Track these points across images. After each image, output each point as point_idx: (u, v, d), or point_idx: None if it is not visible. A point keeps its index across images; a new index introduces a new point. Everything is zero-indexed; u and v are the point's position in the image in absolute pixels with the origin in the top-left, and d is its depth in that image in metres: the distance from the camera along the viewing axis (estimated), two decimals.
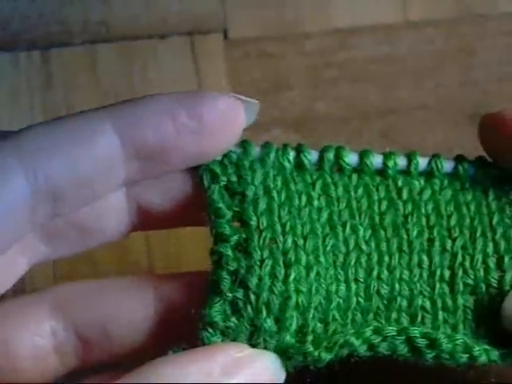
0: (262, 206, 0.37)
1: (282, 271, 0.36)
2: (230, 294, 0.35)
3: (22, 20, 0.55)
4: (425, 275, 0.37)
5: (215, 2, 0.56)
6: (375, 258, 0.38)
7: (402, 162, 0.39)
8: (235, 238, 0.36)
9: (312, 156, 0.39)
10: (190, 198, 0.38)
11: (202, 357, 0.33)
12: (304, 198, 0.38)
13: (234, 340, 0.35)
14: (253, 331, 0.35)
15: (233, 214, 0.37)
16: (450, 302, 0.37)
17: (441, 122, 0.54)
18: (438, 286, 0.37)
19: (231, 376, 0.33)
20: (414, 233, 0.38)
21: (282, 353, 0.35)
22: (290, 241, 0.37)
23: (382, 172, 0.39)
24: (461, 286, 0.37)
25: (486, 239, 0.38)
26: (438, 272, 0.37)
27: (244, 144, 0.38)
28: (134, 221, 0.38)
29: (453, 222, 0.38)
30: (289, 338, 0.35)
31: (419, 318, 0.37)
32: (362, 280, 0.37)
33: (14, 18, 0.55)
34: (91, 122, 0.35)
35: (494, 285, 0.37)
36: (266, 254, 0.36)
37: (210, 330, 0.35)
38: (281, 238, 0.37)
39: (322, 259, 0.37)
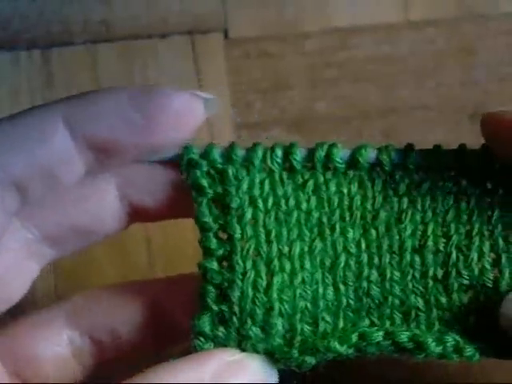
0: (247, 216, 0.37)
1: (265, 282, 0.37)
2: (216, 307, 0.37)
3: (22, 20, 0.55)
4: (417, 275, 0.37)
5: (215, 2, 0.56)
6: (365, 259, 0.37)
7: (398, 156, 0.38)
8: (220, 251, 0.37)
9: (302, 155, 0.38)
10: (180, 193, 0.39)
11: (197, 363, 0.35)
12: (292, 202, 0.38)
13: (225, 346, 0.36)
14: (241, 339, 0.36)
15: (219, 226, 0.38)
16: (444, 301, 0.37)
17: (441, 122, 0.54)
18: (430, 284, 0.37)
19: (224, 380, 0.35)
20: (407, 232, 0.38)
21: (271, 356, 0.36)
22: (274, 249, 0.37)
23: (378, 167, 0.38)
24: (455, 285, 0.37)
25: (483, 237, 0.37)
26: (431, 271, 0.37)
27: (229, 151, 0.38)
28: (129, 217, 0.39)
29: (449, 217, 0.38)
30: (276, 342, 0.36)
31: (413, 316, 0.37)
32: (350, 282, 0.37)
33: (14, 18, 0.55)
34: (43, 118, 0.36)
35: (489, 284, 0.37)
36: (248, 265, 0.37)
37: (201, 339, 0.36)
38: (265, 248, 0.37)
39: (307, 264, 0.37)
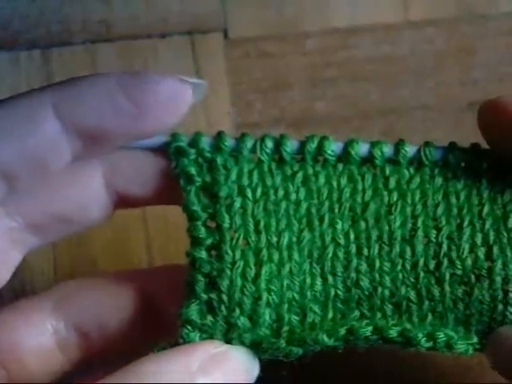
0: (236, 205, 0.37)
1: (253, 272, 0.37)
2: (205, 295, 0.37)
3: (22, 20, 0.55)
4: (408, 266, 0.37)
5: (215, 2, 0.56)
6: (353, 250, 0.37)
7: (390, 151, 0.38)
8: (209, 240, 0.37)
9: (294, 147, 0.38)
10: (167, 181, 0.38)
11: (183, 354, 0.35)
12: (281, 192, 0.38)
13: (212, 336, 0.36)
14: (228, 328, 0.36)
15: (208, 215, 0.38)
16: (436, 292, 0.37)
17: (441, 122, 0.54)
18: (422, 275, 0.37)
19: (209, 372, 0.35)
20: (397, 223, 0.37)
21: (257, 346, 0.36)
22: (263, 239, 0.37)
23: (369, 161, 0.38)
24: (447, 276, 0.37)
25: (475, 229, 0.37)
26: (422, 262, 0.37)
27: (218, 140, 0.38)
28: (114, 205, 0.39)
29: (439, 211, 0.38)
30: (263, 332, 0.36)
31: (404, 307, 0.37)
32: (339, 273, 0.37)
33: (14, 18, 0.55)
34: (33, 105, 0.35)
35: (484, 275, 0.37)
36: (237, 255, 0.37)
37: (189, 328, 0.36)
38: (253, 238, 0.37)
39: (296, 255, 0.37)
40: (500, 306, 0.36)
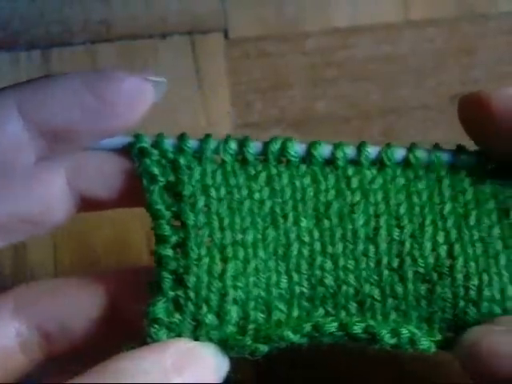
0: (200, 204, 0.38)
1: (219, 268, 0.37)
2: (172, 293, 0.37)
3: (22, 20, 0.55)
4: (371, 264, 0.37)
5: (215, 2, 0.56)
6: (318, 248, 0.38)
7: (353, 152, 0.39)
8: (174, 238, 0.38)
9: (257, 148, 0.39)
10: (130, 182, 0.39)
11: (156, 352, 0.35)
12: (245, 192, 0.38)
13: (180, 334, 0.36)
14: (196, 325, 0.36)
15: (172, 214, 0.38)
16: (399, 290, 0.37)
17: (441, 121, 0.54)
18: (385, 274, 0.37)
19: (182, 369, 0.35)
20: (360, 222, 0.38)
21: (224, 344, 0.36)
22: (228, 236, 0.37)
23: (332, 162, 0.39)
24: (410, 274, 0.37)
25: (437, 227, 0.38)
26: (385, 260, 0.37)
27: (180, 141, 0.38)
28: (78, 207, 0.39)
29: (402, 210, 0.38)
30: (230, 330, 0.36)
31: (368, 305, 0.37)
32: (303, 271, 0.37)
33: (14, 18, 0.55)
34: None
35: (446, 272, 0.37)
36: (203, 252, 0.37)
37: (156, 326, 0.36)
38: (218, 235, 0.37)
39: (261, 252, 0.38)
40: (462, 303, 0.37)
